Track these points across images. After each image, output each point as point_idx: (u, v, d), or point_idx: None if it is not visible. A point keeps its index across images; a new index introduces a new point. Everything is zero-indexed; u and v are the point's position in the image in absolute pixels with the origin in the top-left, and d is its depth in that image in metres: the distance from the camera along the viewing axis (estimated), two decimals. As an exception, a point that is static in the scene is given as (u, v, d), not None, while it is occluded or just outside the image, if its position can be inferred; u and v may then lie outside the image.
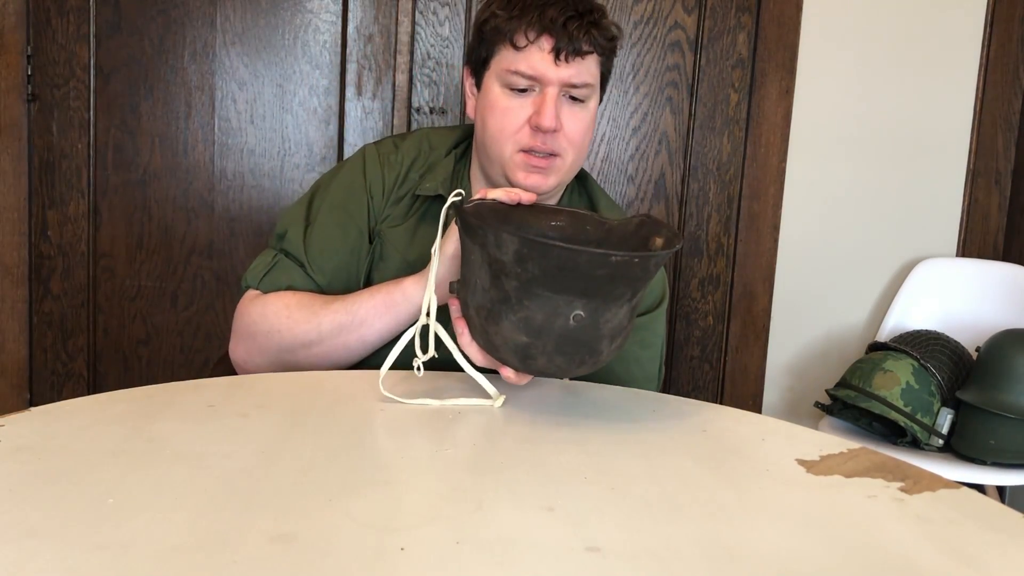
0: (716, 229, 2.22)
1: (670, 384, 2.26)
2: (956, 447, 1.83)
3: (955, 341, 1.95)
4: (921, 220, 2.24)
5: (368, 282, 1.21)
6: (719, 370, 2.27)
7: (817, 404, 2.03)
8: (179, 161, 2.10)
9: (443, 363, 1.02)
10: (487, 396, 1.00)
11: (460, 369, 1.02)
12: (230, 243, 2.12)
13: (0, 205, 2.04)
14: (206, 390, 0.97)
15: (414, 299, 1.09)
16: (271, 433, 0.86)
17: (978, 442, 1.79)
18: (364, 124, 2.11)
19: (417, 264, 1.17)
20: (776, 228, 2.21)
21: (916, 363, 1.88)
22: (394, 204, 1.23)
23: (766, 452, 0.92)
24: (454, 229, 1.05)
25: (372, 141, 1.30)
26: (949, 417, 1.86)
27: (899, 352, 1.91)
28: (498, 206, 1.03)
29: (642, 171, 2.20)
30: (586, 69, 1.14)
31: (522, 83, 1.13)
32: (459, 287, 1.00)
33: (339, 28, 2.09)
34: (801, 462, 0.88)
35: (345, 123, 2.11)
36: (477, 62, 1.19)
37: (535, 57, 1.12)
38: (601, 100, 1.21)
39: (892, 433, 1.91)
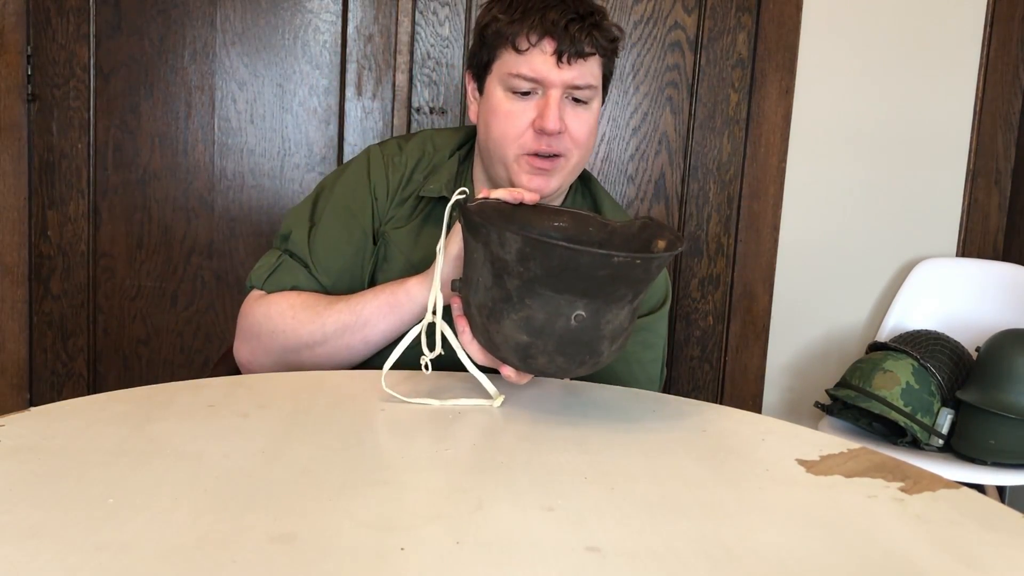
0: (716, 229, 2.22)
1: (670, 384, 2.26)
2: (956, 447, 1.83)
3: (955, 341, 1.95)
4: (921, 220, 2.24)
5: (372, 283, 1.21)
6: (719, 370, 2.27)
7: (817, 404, 2.03)
8: (179, 161, 2.10)
9: (444, 362, 1.02)
10: (487, 396, 1.01)
11: (461, 369, 1.02)
12: (230, 243, 2.12)
13: (0, 205, 2.04)
14: (206, 390, 0.97)
15: (418, 299, 1.09)
16: (271, 433, 0.86)
17: (978, 442, 1.79)
18: (364, 124, 2.11)
19: (421, 265, 1.17)
20: (776, 228, 2.21)
21: (916, 363, 1.87)
22: (398, 205, 1.23)
23: (766, 452, 0.92)
24: (457, 229, 1.05)
25: (374, 142, 1.30)
26: (949, 417, 1.86)
27: (899, 352, 1.91)
28: (502, 206, 1.03)
29: (642, 171, 2.20)
30: (588, 71, 1.14)
31: (525, 86, 1.13)
32: (461, 285, 1.00)
33: (339, 28, 2.09)
34: (801, 462, 0.88)
35: (345, 123, 2.11)
36: (479, 66, 1.19)
37: (537, 60, 1.12)
38: (603, 101, 1.21)
39: (892, 433, 1.90)
